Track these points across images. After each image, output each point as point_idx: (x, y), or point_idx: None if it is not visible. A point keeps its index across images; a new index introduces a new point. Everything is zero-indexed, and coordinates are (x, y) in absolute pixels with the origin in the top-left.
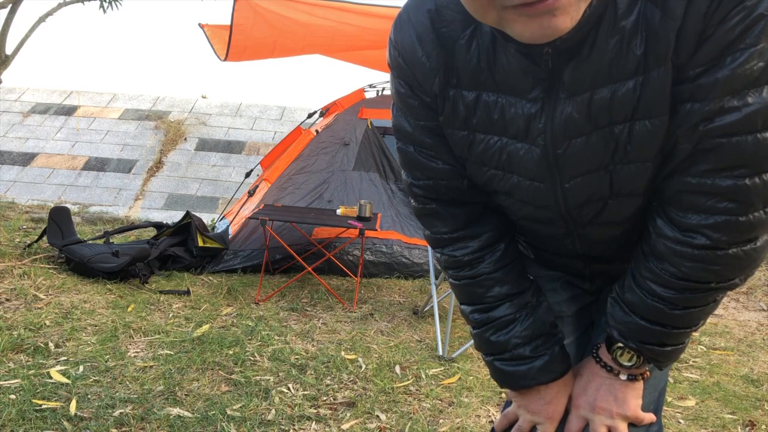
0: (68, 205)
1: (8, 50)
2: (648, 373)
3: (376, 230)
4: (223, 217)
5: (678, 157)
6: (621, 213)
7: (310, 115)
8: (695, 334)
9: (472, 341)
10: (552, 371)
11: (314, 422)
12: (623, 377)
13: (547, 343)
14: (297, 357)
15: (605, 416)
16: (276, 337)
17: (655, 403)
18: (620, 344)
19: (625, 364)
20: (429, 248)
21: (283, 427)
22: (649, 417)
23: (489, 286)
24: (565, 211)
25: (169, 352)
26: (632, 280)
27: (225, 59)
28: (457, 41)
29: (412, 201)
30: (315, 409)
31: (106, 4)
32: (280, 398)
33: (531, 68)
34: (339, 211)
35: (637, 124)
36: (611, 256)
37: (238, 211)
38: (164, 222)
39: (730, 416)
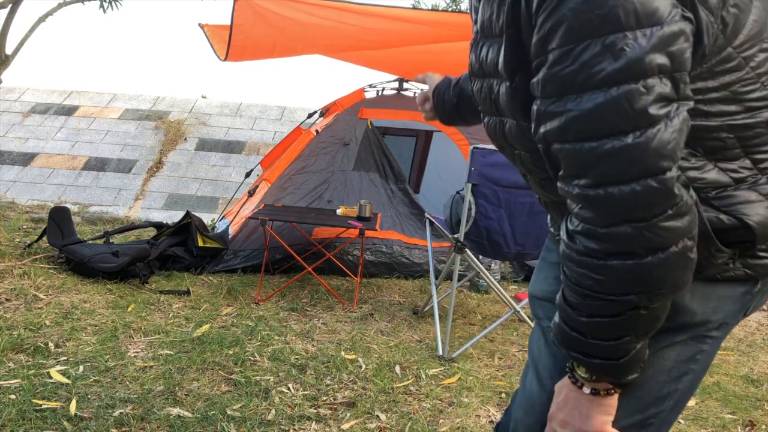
0: (68, 205)
1: (8, 50)
2: (615, 389)
3: (376, 230)
4: (223, 217)
5: (544, 156)
6: (527, 165)
7: (310, 115)
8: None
9: (472, 341)
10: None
11: (314, 422)
12: (586, 390)
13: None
14: (297, 357)
15: (568, 430)
16: (276, 337)
17: (640, 423)
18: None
19: (582, 375)
20: (429, 248)
21: (283, 427)
22: None
23: None
24: (499, 141)
25: (169, 352)
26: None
27: (225, 59)
28: None
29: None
30: (315, 409)
31: (106, 4)
32: (280, 398)
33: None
34: (339, 211)
35: (501, 85)
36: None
37: (238, 211)
38: (164, 222)
39: (730, 416)
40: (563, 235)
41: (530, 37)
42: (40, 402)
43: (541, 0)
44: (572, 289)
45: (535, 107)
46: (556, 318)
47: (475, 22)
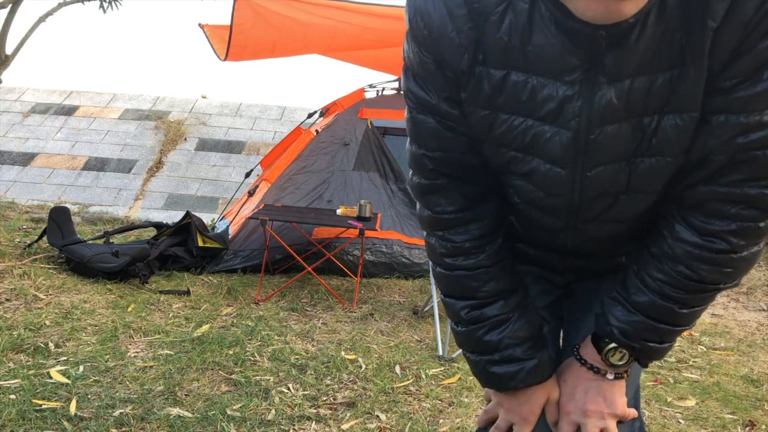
0: (68, 205)
1: (8, 50)
2: (629, 370)
3: (376, 230)
4: (223, 217)
5: (709, 167)
6: (629, 211)
7: (310, 115)
8: (695, 334)
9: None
10: (540, 374)
11: (314, 422)
12: (610, 377)
13: (537, 346)
14: (297, 357)
15: (597, 418)
16: (276, 337)
17: (633, 399)
18: (614, 344)
19: (616, 363)
20: None
21: (283, 427)
22: (633, 412)
23: (485, 280)
24: (577, 202)
25: (169, 352)
26: (639, 281)
27: (225, 59)
28: (488, 17)
29: (416, 177)
30: (315, 409)
31: (106, 4)
32: (280, 398)
33: (572, 50)
34: (339, 211)
35: (666, 118)
36: (592, 254)
37: (238, 211)
38: (164, 222)
39: (730, 416)
40: (686, 243)
41: (719, 62)
42: (40, 402)
43: (764, 18)
44: (684, 286)
45: (730, 119)
46: (631, 317)
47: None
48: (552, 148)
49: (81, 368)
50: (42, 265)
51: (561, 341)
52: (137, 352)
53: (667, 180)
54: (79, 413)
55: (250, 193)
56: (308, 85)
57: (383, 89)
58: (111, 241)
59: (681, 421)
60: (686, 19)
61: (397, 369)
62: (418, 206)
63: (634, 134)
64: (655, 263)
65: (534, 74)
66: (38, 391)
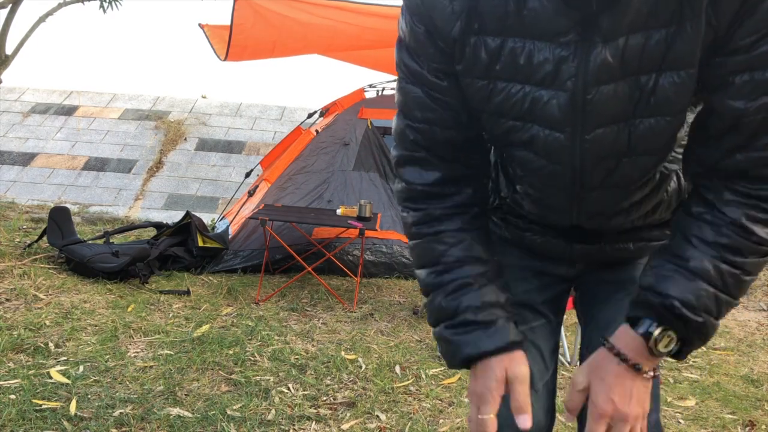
0: (68, 205)
1: (8, 50)
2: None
3: (376, 230)
4: (223, 217)
5: (743, 133)
6: (631, 174)
7: (310, 115)
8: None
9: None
10: (497, 340)
11: (314, 422)
12: (649, 374)
13: (499, 315)
14: (297, 357)
15: (635, 422)
16: (276, 337)
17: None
18: (663, 328)
19: (662, 351)
20: None
21: (283, 427)
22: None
23: (451, 244)
24: (579, 168)
25: (169, 352)
26: (697, 248)
27: (225, 59)
28: None
29: (397, 150)
30: (315, 409)
31: (106, 4)
32: (280, 398)
33: (566, 11)
34: (339, 211)
35: (663, 76)
36: (599, 234)
37: (238, 211)
38: (164, 222)
39: (730, 416)
40: (732, 208)
41: (724, 19)
42: (40, 402)
43: None
44: (743, 250)
45: (756, 75)
46: (694, 284)
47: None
48: (550, 112)
49: (81, 368)
50: (42, 265)
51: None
52: (137, 352)
53: (668, 140)
54: (79, 413)
55: (250, 193)
56: (308, 85)
57: (383, 89)
58: (111, 241)
59: (681, 421)
60: None
61: (397, 369)
62: (395, 181)
63: (631, 93)
64: (711, 228)
65: (530, 38)
66: (38, 391)
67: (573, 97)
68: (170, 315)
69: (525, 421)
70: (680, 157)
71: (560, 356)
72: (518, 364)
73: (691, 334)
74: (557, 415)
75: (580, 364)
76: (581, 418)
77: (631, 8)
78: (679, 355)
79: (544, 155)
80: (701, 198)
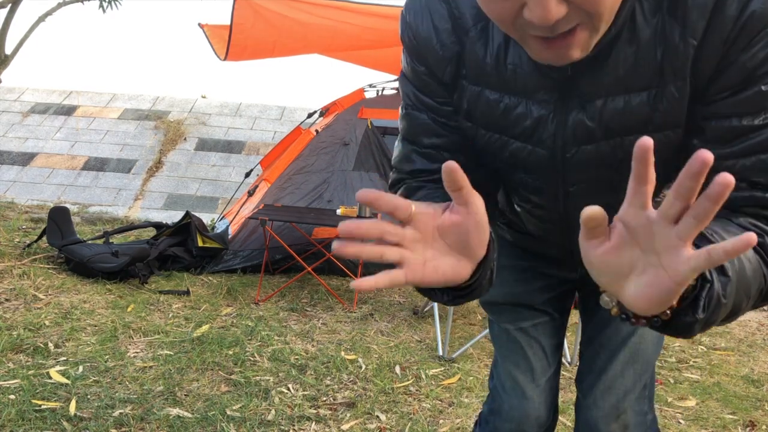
0: (68, 205)
1: (8, 50)
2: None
3: None
4: (223, 217)
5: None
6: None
7: (310, 115)
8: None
9: (472, 341)
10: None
11: (314, 422)
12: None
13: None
14: (297, 357)
15: None
16: (276, 338)
17: (650, 386)
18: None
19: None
20: None
21: (283, 427)
22: None
23: (416, 188)
24: (563, 212)
25: (168, 352)
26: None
27: (225, 59)
28: (468, 33)
29: (398, 172)
30: (315, 409)
31: (105, 4)
32: (280, 398)
33: (545, 71)
34: (339, 211)
35: (650, 136)
36: None
37: (238, 211)
38: (164, 222)
39: (731, 416)
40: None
41: (704, 77)
42: (39, 402)
43: (742, 31)
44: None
45: (733, 124)
46: (729, 289)
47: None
48: (531, 163)
49: (80, 368)
50: (42, 265)
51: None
52: (137, 353)
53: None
54: (78, 413)
55: (250, 193)
56: (308, 85)
57: (383, 89)
58: (111, 241)
59: (681, 421)
60: (663, 37)
61: (397, 369)
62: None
63: (614, 153)
64: (716, 223)
65: (507, 93)
66: (38, 391)
67: (552, 154)
68: (170, 315)
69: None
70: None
71: None
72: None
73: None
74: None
75: (580, 363)
76: (578, 413)
77: (609, 71)
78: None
79: (533, 193)
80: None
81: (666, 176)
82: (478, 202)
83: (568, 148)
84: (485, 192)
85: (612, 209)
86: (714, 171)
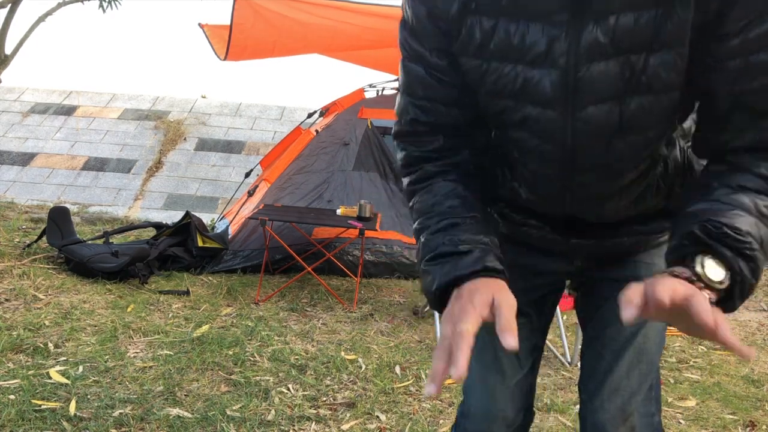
0: (68, 205)
1: (8, 50)
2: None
3: (376, 230)
4: (223, 217)
5: (748, 111)
6: (623, 154)
7: (310, 115)
8: None
9: None
10: (476, 264)
11: (314, 422)
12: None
13: (480, 246)
14: (297, 357)
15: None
16: (276, 338)
17: (656, 376)
18: (707, 256)
19: (712, 278)
20: None
21: (283, 427)
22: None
23: (443, 194)
24: (571, 146)
25: (168, 352)
26: (720, 189)
27: (225, 59)
28: None
29: (398, 125)
30: (315, 409)
31: (105, 4)
32: (280, 398)
33: None
34: (339, 211)
35: (654, 56)
36: (593, 227)
37: (238, 211)
38: (164, 222)
39: (731, 416)
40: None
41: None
42: (39, 402)
43: None
44: None
45: (752, 60)
46: (737, 213)
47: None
48: (542, 90)
49: (80, 368)
50: (41, 265)
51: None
52: (137, 353)
53: (659, 119)
54: (78, 413)
55: (250, 193)
56: (308, 85)
57: (383, 89)
58: (110, 241)
59: (681, 421)
60: None
61: (397, 369)
62: (397, 152)
63: (622, 71)
64: (735, 175)
65: (523, 19)
66: (38, 391)
67: (564, 75)
68: (170, 315)
69: (511, 341)
70: (672, 141)
71: (560, 356)
72: (506, 293)
73: (739, 263)
74: (557, 415)
75: (581, 363)
76: (584, 417)
77: None
78: (733, 295)
79: (537, 134)
80: (719, 163)
81: (666, 131)
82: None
83: (580, 66)
84: (480, 143)
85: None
86: (737, 108)
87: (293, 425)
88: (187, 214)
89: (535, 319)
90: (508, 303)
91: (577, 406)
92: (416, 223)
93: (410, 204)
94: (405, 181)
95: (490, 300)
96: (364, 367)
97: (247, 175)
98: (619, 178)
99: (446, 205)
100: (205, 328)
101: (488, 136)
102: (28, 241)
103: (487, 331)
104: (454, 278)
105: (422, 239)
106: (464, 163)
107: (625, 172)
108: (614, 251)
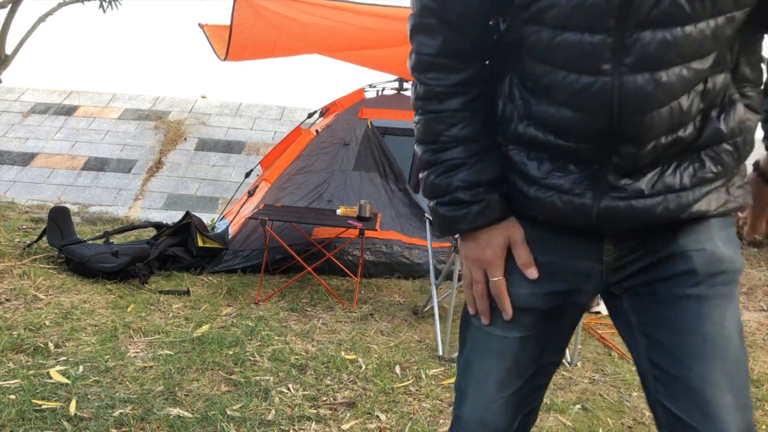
0: (68, 205)
1: (8, 50)
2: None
3: (376, 230)
4: (223, 217)
5: None
6: (686, 11)
7: (310, 115)
8: None
9: None
10: (487, 216)
11: (314, 422)
12: None
13: (487, 191)
14: (297, 357)
15: None
16: (276, 337)
17: (740, 340)
18: None
19: None
20: (429, 248)
21: (283, 427)
22: None
23: (449, 124)
24: (615, 85)
25: (168, 352)
26: None
27: (225, 59)
28: None
29: (411, 18)
30: (315, 409)
31: (105, 4)
32: (280, 398)
33: None
34: (339, 211)
35: None
36: (644, 131)
37: (238, 211)
38: (164, 222)
39: None
40: None
41: None
42: (39, 402)
43: None
44: None
45: None
46: None
47: None
48: (591, 5)
49: (81, 368)
50: (42, 265)
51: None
52: (137, 352)
53: (726, 38)
54: (78, 413)
55: (250, 193)
56: (308, 85)
57: (383, 89)
58: (111, 241)
59: None
60: None
61: (397, 369)
62: (410, 55)
63: None
64: None
65: None
66: (38, 391)
67: None
68: (170, 315)
69: (533, 272)
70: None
71: None
72: (516, 229)
73: None
74: (557, 415)
75: (658, 388)
76: (654, 408)
77: None
78: None
79: (580, 59)
80: None
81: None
82: None
83: None
84: (485, 54)
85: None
86: None
87: (293, 425)
88: (188, 214)
89: (551, 337)
90: (520, 241)
91: (577, 406)
92: (421, 151)
93: (415, 117)
94: (415, 91)
95: (506, 242)
96: (364, 367)
97: (247, 175)
98: (683, 48)
99: (450, 137)
100: (205, 328)
101: (490, 40)
102: (28, 241)
103: (502, 330)
104: (474, 227)
105: (430, 178)
106: (470, 84)
107: (688, 42)
108: (651, 224)
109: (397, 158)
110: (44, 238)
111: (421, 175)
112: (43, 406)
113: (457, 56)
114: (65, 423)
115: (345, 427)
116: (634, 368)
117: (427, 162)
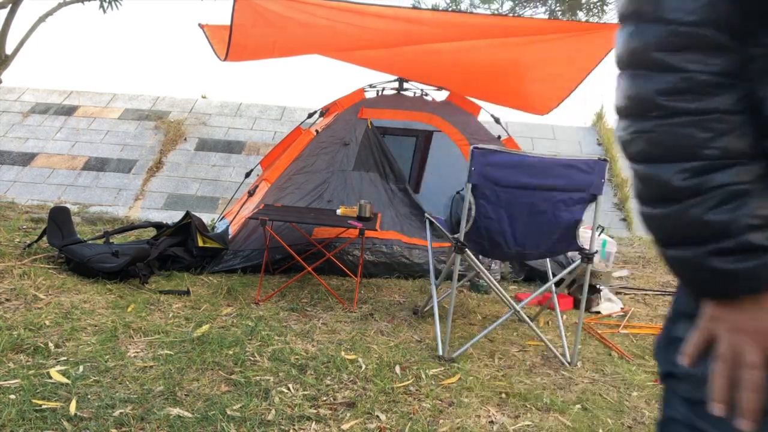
0: (68, 205)
1: (8, 50)
2: None
3: (376, 230)
4: (223, 217)
5: None
6: None
7: (310, 115)
8: None
9: (472, 341)
10: None
11: (314, 422)
12: None
13: None
14: (297, 357)
15: None
16: (276, 337)
17: None
18: None
19: None
20: (429, 248)
21: (283, 427)
22: None
23: (720, 131)
24: None
25: (169, 352)
26: None
27: (225, 59)
28: None
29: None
30: (315, 409)
31: (106, 4)
32: (280, 398)
33: None
34: (339, 211)
35: None
36: None
37: (238, 211)
38: (164, 222)
39: None
40: None
41: None
42: (39, 402)
43: None
44: None
45: None
46: None
47: None
48: None
49: (81, 368)
50: (42, 265)
51: None
52: (137, 352)
53: None
54: (78, 413)
55: (250, 193)
56: (308, 85)
57: (383, 89)
58: (111, 241)
59: None
60: None
61: (397, 369)
62: (627, 30)
63: None
64: None
65: None
66: (38, 391)
67: None
68: (170, 315)
69: None
70: None
71: (560, 356)
72: None
73: None
74: (557, 415)
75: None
76: None
77: None
78: None
79: None
80: None
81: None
82: None
83: None
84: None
85: None
86: None
87: (293, 425)
88: (188, 214)
89: None
90: None
91: (577, 406)
92: (669, 173)
93: (647, 124)
94: (641, 83)
95: None
96: (364, 366)
97: (248, 175)
98: None
99: (721, 150)
100: (205, 327)
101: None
102: (28, 241)
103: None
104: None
105: (692, 212)
106: (736, 74)
107: None
108: None
109: (397, 158)
110: (44, 238)
111: (663, 209)
112: (43, 406)
113: (727, 27)
114: (65, 423)
115: (345, 427)
116: (634, 368)
117: (684, 189)
